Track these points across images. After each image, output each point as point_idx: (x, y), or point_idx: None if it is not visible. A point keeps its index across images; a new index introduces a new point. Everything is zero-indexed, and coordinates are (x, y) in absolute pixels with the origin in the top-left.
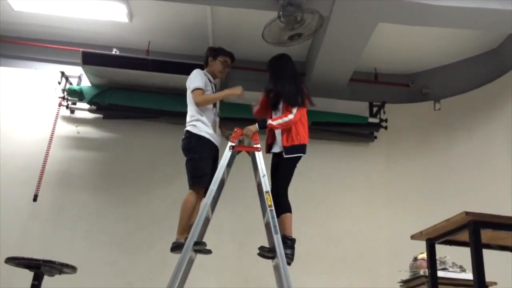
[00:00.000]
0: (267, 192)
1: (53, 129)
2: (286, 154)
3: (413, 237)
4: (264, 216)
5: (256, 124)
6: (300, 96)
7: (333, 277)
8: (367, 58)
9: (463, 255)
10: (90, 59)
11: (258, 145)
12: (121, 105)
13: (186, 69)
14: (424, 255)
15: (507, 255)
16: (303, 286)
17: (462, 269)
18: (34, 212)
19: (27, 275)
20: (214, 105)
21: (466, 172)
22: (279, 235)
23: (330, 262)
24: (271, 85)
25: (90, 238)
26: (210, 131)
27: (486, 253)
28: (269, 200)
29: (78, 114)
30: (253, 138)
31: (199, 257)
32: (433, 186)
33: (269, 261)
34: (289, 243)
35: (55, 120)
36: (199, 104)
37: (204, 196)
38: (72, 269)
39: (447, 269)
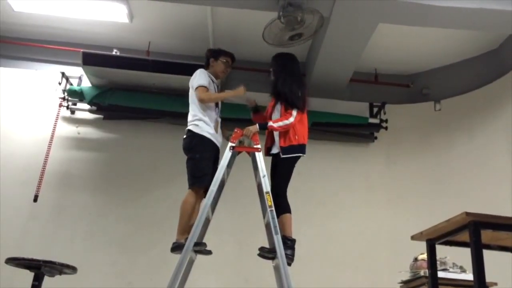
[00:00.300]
0: (267, 192)
1: (54, 129)
2: (283, 154)
3: (413, 237)
4: (264, 217)
5: (257, 124)
6: (302, 100)
7: (333, 277)
8: (367, 59)
9: (463, 255)
10: (90, 60)
11: (259, 146)
12: (122, 105)
13: (186, 70)
14: (425, 256)
15: (507, 255)
16: (303, 286)
17: (463, 270)
18: (35, 213)
19: (28, 276)
20: (217, 105)
21: (466, 172)
22: (279, 236)
23: (330, 262)
24: (255, 104)
25: (90, 239)
26: (212, 131)
27: (487, 254)
28: (269, 200)
29: (79, 114)
30: (253, 138)
31: (199, 257)
32: (433, 186)
33: (270, 261)
34: (289, 243)
35: (56, 121)
36: (203, 101)
37: (204, 197)
38: (73, 269)
39: (448, 269)
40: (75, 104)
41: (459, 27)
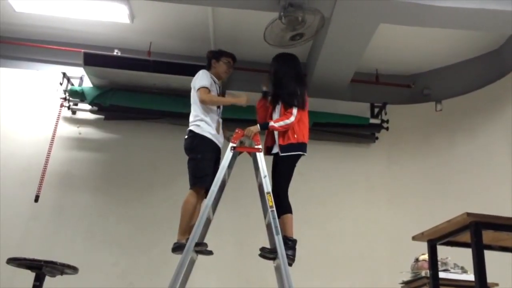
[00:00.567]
0: (268, 193)
1: (55, 130)
2: (282, 152)
3: (414, 238)
4: (265, 217)
5: (258, 125)
6: (301, 98)
7: (334, 278)
8: (368, 59)
9: (464, 256)
10: (91, 60)
11: (259, 146)
12: (123, 106)
13: (187, 70)
14: (426, 256)
15: (508, 256)
16: (304, 287)
17: (464, 270)
18: (35, 213)
19: (29, 276)
20: (218, 106)
21: (468, 173)
22: (280, 236)
23: (331, 262)
24: (268, 89)
25: (91, 239)
26: (213, 131)
27: (488, 254)
28: (270, 201)
29: (80, 115)
30: (254, 139)
31: (200, 258)
32: (434, 187)
33: (270, 262)
34: (290, 244)
35: (57, 121)
36: (205, 102)
37: (205, 197)
38: (74, 269)
39: (449, 270)
40: (76, 105)
41: (460, 28)
